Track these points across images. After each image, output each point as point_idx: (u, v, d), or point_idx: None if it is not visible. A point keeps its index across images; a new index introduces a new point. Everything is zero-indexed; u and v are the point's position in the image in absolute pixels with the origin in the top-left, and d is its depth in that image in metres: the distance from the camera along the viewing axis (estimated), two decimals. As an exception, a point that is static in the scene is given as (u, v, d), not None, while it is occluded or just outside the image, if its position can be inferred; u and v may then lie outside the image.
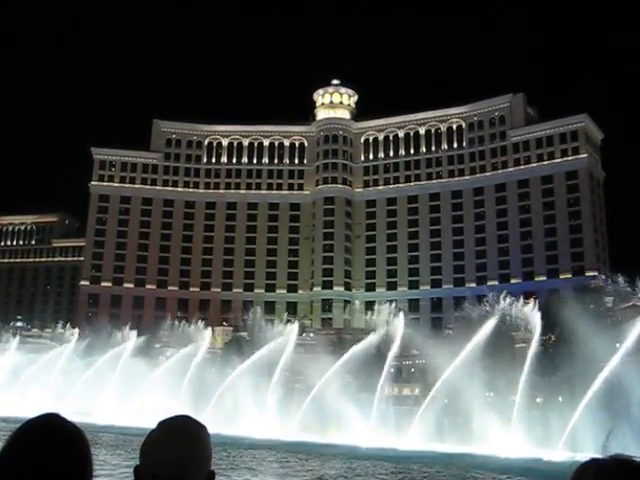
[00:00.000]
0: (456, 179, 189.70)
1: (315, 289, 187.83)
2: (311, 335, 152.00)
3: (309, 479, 39.04)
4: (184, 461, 2.90)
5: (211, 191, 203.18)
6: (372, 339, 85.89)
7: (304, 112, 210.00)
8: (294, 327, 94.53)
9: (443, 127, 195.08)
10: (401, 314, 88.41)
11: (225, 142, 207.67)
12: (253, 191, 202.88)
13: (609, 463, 2.48)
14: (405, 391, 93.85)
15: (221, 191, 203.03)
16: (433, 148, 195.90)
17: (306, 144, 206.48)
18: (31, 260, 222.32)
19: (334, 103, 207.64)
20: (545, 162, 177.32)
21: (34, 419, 2.83)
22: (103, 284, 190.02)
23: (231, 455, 47.11)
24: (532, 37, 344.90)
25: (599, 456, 2.55)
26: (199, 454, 2.95)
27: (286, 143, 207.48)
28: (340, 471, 41.54)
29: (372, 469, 42.70)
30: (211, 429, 3.07)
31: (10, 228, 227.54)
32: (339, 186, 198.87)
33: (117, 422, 74.94)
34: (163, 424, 3.04)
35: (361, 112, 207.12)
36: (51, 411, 2.92)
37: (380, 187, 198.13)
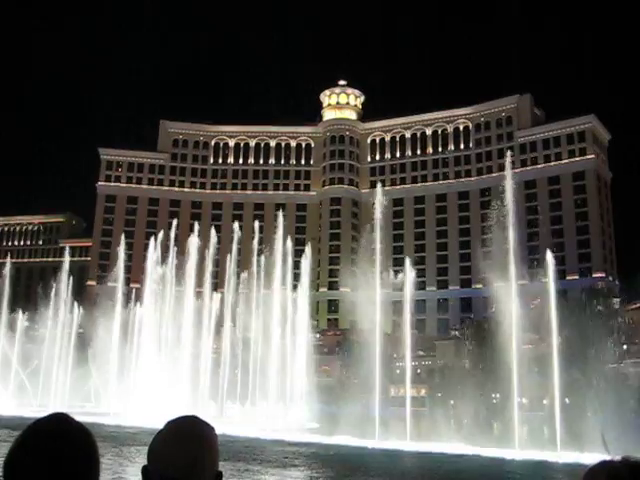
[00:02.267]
0: (463, 180, 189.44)
1: (321, 289, 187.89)
2: (317, 336, 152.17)
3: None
4: (192, 461, 2.90)
5: (218, 192, 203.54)
6: None
7: (311, 113, 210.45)
8: None
9: (450, 128, 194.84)
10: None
11: (232, 143, 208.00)
12: (259, 192, 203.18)
13: (621, 465, 2.44)
14: (411, 392, 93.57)
15: (227, 192, 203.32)
16: (440, 149, 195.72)
17: (312, 145, 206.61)
18: (38, 260, 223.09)
19: (341, 104, 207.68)
20: (552, 163, 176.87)
21: (42, 419, 2.84)
22: (110, 284, 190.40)
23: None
24: (538, 37, 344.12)
25: (608, 458, 2.51)
26: (207, 454, 2.95)
27: (293, 144, 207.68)
28: None
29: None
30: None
31: (18, 228, 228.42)
32: (345, 187, 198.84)
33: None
34: (171, 424, 3.03)
35: (368, 113, 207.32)
36: (59, 411, 2.93)
37: (386, 188, 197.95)
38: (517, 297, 59.80)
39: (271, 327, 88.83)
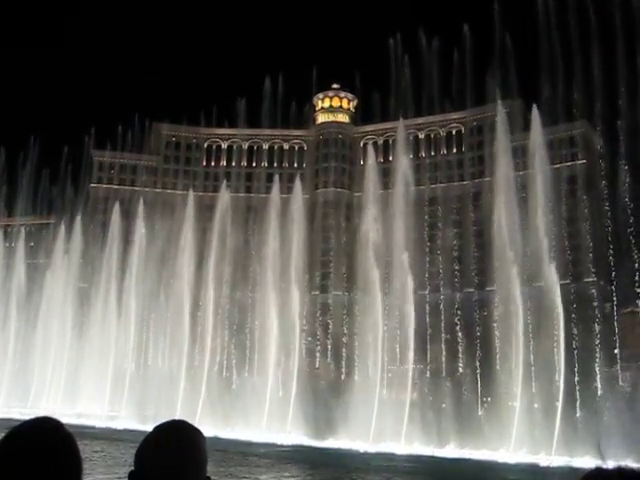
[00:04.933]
0: (455, 184, 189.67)
1: (312, 292, 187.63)
2: (309, 339, 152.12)
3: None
4: (179, 467, 2.87)
5: (210, 194, 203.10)
6: None
7: (304, 116, 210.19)
8: None
9: (442, 132, 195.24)
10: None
11: (224, 145, 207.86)
12: (252, 194, 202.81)
13: (615, 474, 2.37)
14: (402, 396, 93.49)
15: (220, 194, 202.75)
16: (432, 153, 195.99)
17: (305, 148, 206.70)
18: (29, 262, 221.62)
19: (334, 107, 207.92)
20: (544, 168, 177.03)
21: (27, 422, 2.84)
22: (101, 286, 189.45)
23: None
24: (531, 44, 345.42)
25: (603, 465, 2.44)
26: (194, 459, 2.94)
27: (285, 147, 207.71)
28: None
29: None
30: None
31: (9, 230, 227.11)
32: (338, 190, 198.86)
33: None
34: (158, 429, 3.04)
35: (361, 116, 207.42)
36: (45, 415, 2.94)
37: (379, 191, 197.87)
38: (510, 300, 59.87)
39: (264, 328, 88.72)
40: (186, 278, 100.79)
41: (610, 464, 2.43)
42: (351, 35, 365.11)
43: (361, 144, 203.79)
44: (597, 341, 79.93)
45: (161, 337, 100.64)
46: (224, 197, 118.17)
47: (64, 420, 2.92)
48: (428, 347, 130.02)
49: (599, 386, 68.63)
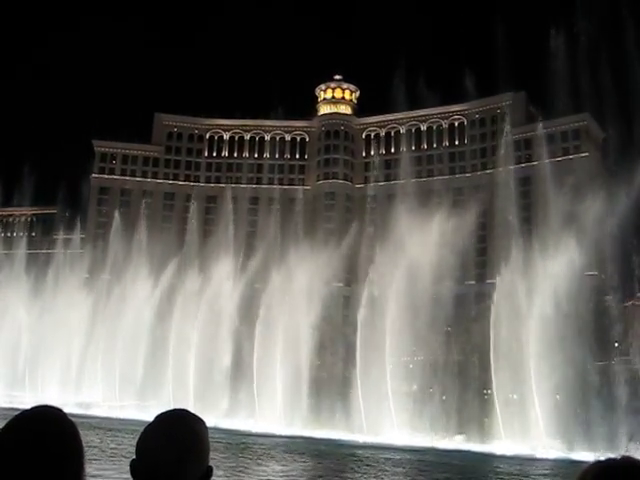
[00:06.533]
0: (457, 176, 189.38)
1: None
2: (310, 331, 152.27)
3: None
4: (181, 456, 2.86)
5: (212, 185, 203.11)
6: None
7: (306, 107, 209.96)
8: None
9: (445, 124, 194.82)
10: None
11: (226, 136, 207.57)
12: (254, 185, 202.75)
13: (627, 465, 2.29)
14: (403, 388, 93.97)
15: (222, 185, 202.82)
16: (434, 145, 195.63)
17: (307, 139, 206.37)
18: (31, 252, 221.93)
19: (336, 98, 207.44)
20: (546, 161, 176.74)
21: (28, 411, 2.86)
22: (103, 277, 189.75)
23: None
24: (531, 36, 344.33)
25: (604, 457, 2.41)
26: (196, 449, 2.93)
27: (287, 138, 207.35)
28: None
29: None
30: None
31: (10, 220, 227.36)
32: (340, 182, 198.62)
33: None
34: (160, 418, 3.04)
35: (363, 108, 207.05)
36: (46, 403, 2.95)
37: (381, 183, 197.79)
38: (510, 293, 60.11)
39: (266, 320, 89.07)
40: (189, 268, 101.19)
41: (612, 456, 2.36)
42: (353, 27, 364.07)
43: (363, 136, 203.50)
44: (596, 334, 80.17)
45: (166, 330, 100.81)
46: (227, 189, 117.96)
47: (66, 409, 3.05)
48: (428, 339, 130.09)
49: (597, 379, 68.96)
